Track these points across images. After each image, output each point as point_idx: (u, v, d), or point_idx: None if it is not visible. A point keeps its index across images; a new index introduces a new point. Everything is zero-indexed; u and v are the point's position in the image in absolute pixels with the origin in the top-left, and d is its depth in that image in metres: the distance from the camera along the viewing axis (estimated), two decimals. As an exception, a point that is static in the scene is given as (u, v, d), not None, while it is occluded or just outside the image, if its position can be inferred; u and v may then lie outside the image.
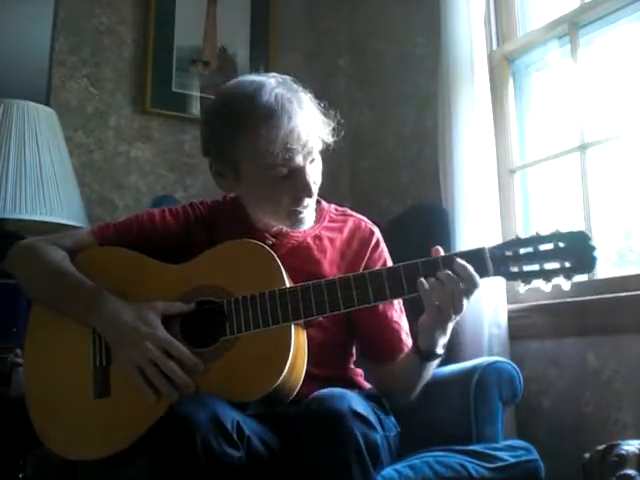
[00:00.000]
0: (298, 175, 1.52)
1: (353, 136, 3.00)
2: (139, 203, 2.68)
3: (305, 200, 1.55)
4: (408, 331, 1.64)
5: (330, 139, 1.59)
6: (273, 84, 1.54)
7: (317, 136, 1.55)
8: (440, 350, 1.50)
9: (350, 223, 1.69)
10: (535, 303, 2.14)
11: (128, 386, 1.46)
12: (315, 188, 1.56)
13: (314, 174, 1.56)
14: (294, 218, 1.57)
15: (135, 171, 2.75)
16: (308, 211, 1.58)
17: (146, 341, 1.44)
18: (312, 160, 1.55)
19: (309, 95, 1.58)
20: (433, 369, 1.58)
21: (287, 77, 1.59)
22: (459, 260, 1.40)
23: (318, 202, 1.72)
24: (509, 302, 2.17)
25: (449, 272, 1.39)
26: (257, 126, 1.49)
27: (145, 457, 1.42)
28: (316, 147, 1.55)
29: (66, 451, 1.50)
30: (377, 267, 1.61)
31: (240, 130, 1.51)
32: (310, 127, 1.53)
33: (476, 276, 1.39)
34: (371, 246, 1.66)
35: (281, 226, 1.61)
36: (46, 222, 2.24)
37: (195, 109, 2.83)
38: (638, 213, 2.14)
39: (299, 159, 1.51)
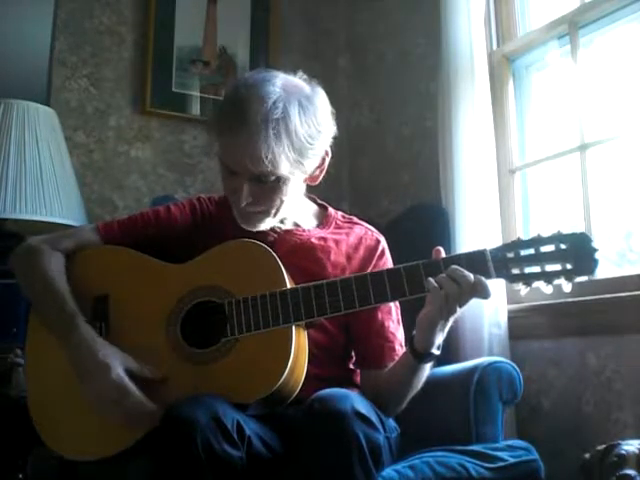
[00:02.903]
0: (236, 178, 1.51)
1: (353, 136, 3.00)
2: (139, 203, 2.68)
3: (236, 205, 1.53)
4: (403, 342, 1.62)
5: (317, 157, 1.55)
6: (270, 93, 1.47)
7: (276, 162, 1.46)
8: (436, 351, 1.47)
9: (357, 230, 1.68)
10: (535, 303, 2.14)
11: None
12: (246, 202, 1.50)
13: (258, 189, 1.50)
14: (241, 215, 1.56)
15: (135, 171, 2.75)
16: (257, 216, 1.55)
17: (103, 384, 1.41)
18: (258, 177, 1.49)
19: (311, 112, 1.51)
20: (424, 377, 1.54)
21: (299, 91, 1.52)
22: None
23: (325, 209, 1.72)
24: (509, 302, 2.17)
25: (463, 271, 1.38)
26: (225, 119, 1.50)
27: (145, 457, 1.42)
28: (265, 170, 1.47)
29: (66, 451, 1.50)
30: None
31: (218, 117, 1.53)
32: (262, 151, 1.44)
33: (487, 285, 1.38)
34: (377, 254, 1.65)
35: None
36: (46, 222, 2.24)
37: (195, 109, 2.83)
38: (638, 213, 2.14)
39: (235, 167, 1.50)
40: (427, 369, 1.53)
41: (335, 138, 1.60)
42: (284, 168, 1.49)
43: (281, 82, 1.51)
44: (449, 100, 2.30)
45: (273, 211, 1.55)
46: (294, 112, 1.48)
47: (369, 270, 1.61)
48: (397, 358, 1.59)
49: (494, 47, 2.46)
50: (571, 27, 2.23)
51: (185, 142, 2.83)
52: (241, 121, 1.46)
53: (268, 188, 1.51)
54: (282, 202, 1.54)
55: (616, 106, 2.21)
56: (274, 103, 1.46)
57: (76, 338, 1.47)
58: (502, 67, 2.45)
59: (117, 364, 1.43)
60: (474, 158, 2.23)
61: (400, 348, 1.61)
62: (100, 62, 2.74)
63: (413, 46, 2.76)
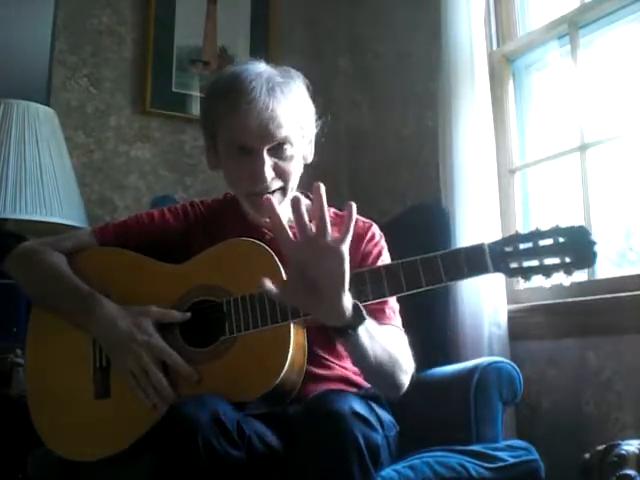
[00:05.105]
0: (252, 157, 1.53)
1: (353, 136, 3.00)
2: (139, 203, 2.68)
3: (257, 185, 1.54)
4: (395, 309, 1.57)
5: (312, 134, 1.60)
6: (261, 68, 1.56)
7: (290, 126, 1.54)
8: (348, 315, 1.30)
9: None
10: (535, 303, 2.14)
11: (128, 387, 1.46)
12: (270, 177, 1.53)
13: (276, 162, 1.54)
14: (253, 202, 1.57)
15: (135, 171, 2.75)
16: (274, 195, 1.54)
17: (142, 349, 1.44)
18: (275, 147, 1.53)
19: (302, 87, 1.58)
20: (375, 347, 1.37)
21: (289, 68, 1.60)
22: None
23: None
24: (509, 302, 2.17)
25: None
26: (227, 101, 1.52)
27: (146, 457, 1.42)
28: (284, 135, 1.53)
29: (66, 451, 1.50)
30: (372, 256, 1.61)
31: (217, 103, 1.56)
32: (279, 113, 1.51)
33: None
34: (366, 238, 1.65)
35: (247, 211, 1.61)
36: (46, 222, 2.24)
37: (195, 109, 2.82)
38: (638, 213, 2.14)
39: (253, 140, 1.51)
40: (364, 337, 1.35)
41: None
42: (295, 129, 1.55)
43: (265, 63, 1.60)
44: (449, 100, 2.30)
45: (289, 186, 1.57)
46: (291, 77, 1.57)
47: (360, 254, 1.61)
48: (388, 321, 1.53)
49: (494, 47, 2.46)
50: (571, 27, 2.23)
51: (185, 142, 2.83)
52: (249, 91, 1.50)
53: (284, 157, 1.55)
54: (294, 177, 1.57)
55: (616, 106, 2.21)
56: (270, 73, 1.55)
57: (104, 312, 1.49)
58: (502, 67, 2.45)
59: (153, 330, 1.47)
60: (474, 158, 2.23)
61: (393, 314, 1.55)
62: (100, 62, 2.74)
63: (413, 46, 2.76)
